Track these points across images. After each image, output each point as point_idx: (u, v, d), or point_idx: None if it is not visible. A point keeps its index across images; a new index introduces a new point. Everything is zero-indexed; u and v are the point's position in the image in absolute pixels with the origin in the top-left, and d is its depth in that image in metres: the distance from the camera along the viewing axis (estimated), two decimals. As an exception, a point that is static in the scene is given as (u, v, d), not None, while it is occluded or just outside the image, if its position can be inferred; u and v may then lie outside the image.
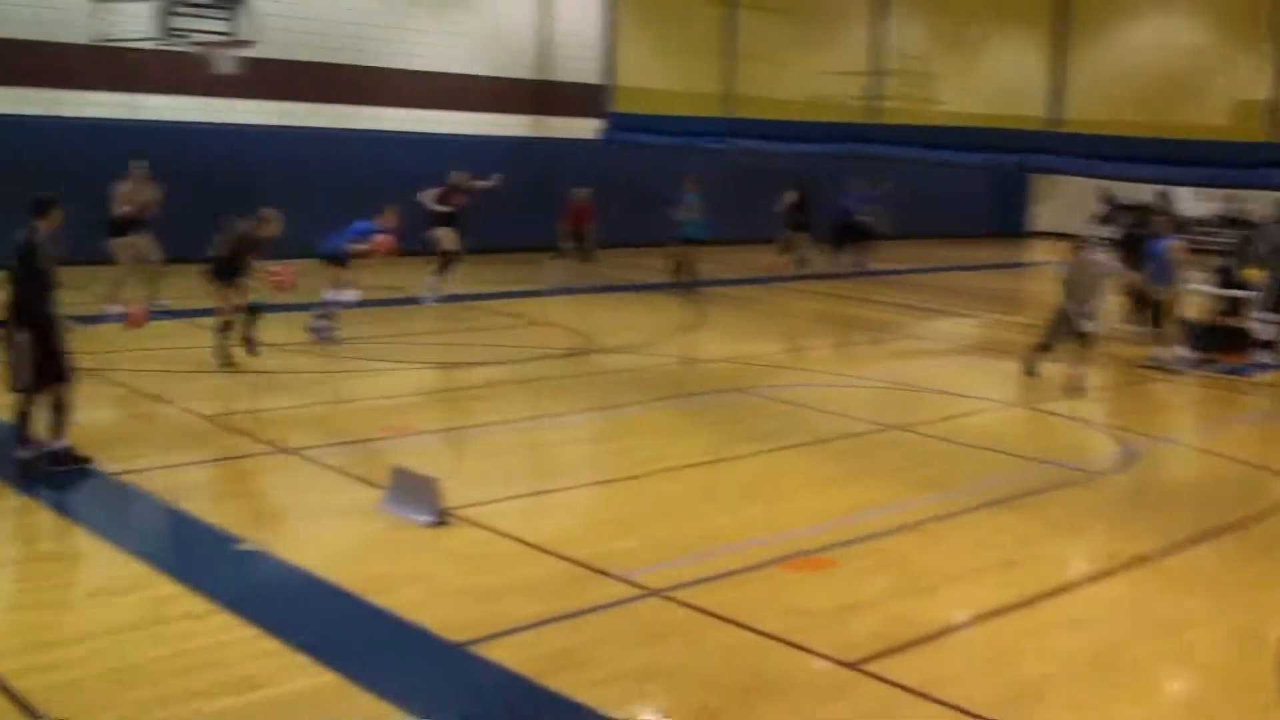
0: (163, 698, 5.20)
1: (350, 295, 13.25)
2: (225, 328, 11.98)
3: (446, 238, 16.69)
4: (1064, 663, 6.00)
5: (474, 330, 14.94)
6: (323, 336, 13.18)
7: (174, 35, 17.70)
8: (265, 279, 12.12)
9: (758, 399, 11.84)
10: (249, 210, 12.27)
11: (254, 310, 12.14)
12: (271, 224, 12.24)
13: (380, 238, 13.55)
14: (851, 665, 5.80)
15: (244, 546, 7.12)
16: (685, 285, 19.25)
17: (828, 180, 23.01)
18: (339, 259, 13.39)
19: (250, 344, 12.08)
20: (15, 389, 8.27)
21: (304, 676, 5.46)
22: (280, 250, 13.73)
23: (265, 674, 5.45)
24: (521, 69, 23.52)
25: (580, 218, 19.44)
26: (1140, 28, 16.59)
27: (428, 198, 16.79)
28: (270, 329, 13.40)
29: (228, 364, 11.88)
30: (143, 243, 14.58)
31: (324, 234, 13.68)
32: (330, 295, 13.20)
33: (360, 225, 13.61)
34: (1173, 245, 14.17)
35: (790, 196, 21.97)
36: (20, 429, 8.29)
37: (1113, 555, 7.69)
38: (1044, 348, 13.12)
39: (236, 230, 12.04)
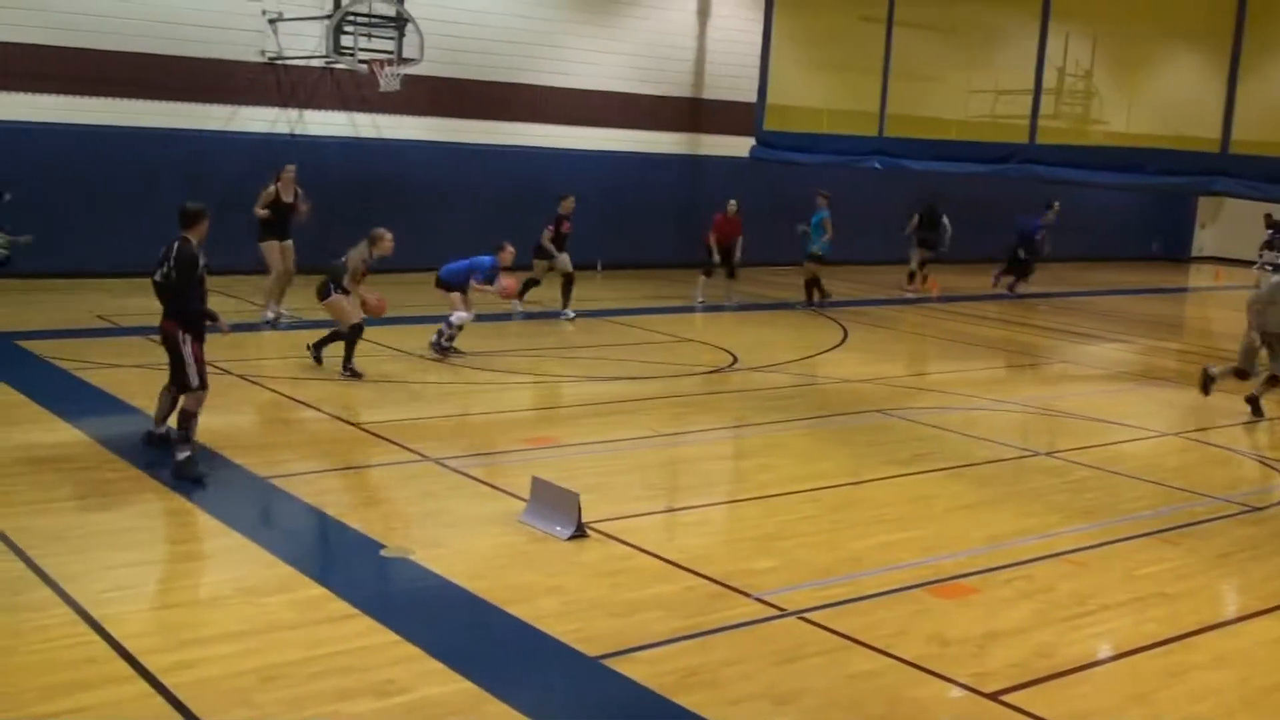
0: (304, 698, 5.33)
1: (461, 316, 13.33)
2: (350, 342, 12.18)
3: (564, 263, 16.73)
4: (1215, 702, 5.76)
5: (614, 345, 15.02)
6: (437, 352, 13.29)
7: (342, 53, 18.29)
8: (363, 299, 12.20)
9: (899, 420, 11.66)
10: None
11: (353, 331, 12.21)
12: (384, 243, 12.22)
13: (506, 283, 13.65)
14: (991, 696, 5.66)
15: (388, 553, 7.27)
16: (819, 305, 19.14)
17: (987, 201, 22.64)
18: (460, 288, 13.46)
19: (334, 357, 12.17)
20: (186, 390, 8.64)
21: (441, 683, 5.54)
22: (427, 263, 14.05)
23: (404, 679, 5.55)
24: (676, 87, 23.61)
25: (727, 231, 19.35)
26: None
27: (545, 239, 16.82)
28: (411, 340, 13.72)
29: (355, 375, 12.05)
30: (287, 249, 14.94)
31: (454, 254, 13.80)
32: (451, 316, 13.32)
33: (483, 260, 13.56)
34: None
35: (915, 216, 21.79)
36: (184, 429, 8.61)
37: (1274, 593, 7.36)
38: (1240, 374, 12.69)
39: (349, 253, 12.18)
